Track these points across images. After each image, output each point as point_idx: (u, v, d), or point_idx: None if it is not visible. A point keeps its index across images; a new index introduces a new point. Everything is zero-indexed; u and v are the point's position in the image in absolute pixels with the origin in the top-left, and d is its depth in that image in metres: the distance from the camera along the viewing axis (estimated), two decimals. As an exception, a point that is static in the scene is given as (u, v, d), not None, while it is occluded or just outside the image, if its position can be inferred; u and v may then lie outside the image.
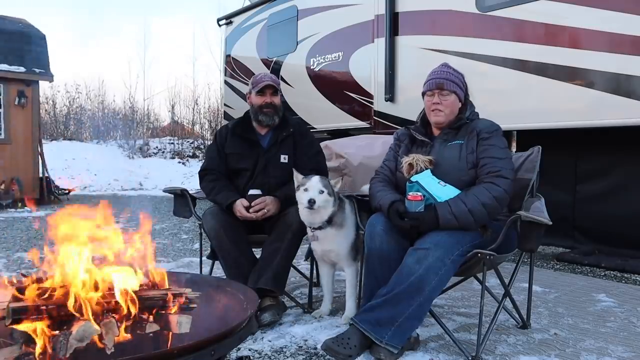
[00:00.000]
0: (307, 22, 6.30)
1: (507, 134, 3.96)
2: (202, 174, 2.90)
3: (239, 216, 2.65)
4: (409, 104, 4.87)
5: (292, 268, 2.77)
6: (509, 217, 2.10)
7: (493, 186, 2.13)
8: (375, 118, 5.34)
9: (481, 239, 2.16)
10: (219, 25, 8.19)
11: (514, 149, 4.05)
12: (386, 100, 5.16)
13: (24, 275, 1.52)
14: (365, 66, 5.47)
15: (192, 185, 9.47)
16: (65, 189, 9.26)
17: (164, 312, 1.53)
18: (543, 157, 2.44)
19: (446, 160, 2.26)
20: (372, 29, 5.34)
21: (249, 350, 2.24)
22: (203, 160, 3.59)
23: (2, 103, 8.28)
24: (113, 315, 1.43)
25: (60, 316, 1.41)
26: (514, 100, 4.17)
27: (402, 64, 5.07)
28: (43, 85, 9.76)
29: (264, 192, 2.72)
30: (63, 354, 1.32)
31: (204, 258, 3.07)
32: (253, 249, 2.73)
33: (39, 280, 1.49)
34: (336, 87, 5.91)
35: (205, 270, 3.16)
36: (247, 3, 7.88)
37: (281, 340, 2.37)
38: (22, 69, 8.28)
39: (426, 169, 2.22)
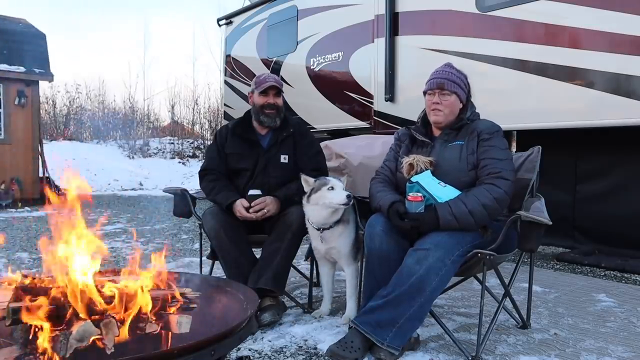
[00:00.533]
0: (307, 22, 6.30)
1: (507, 134, 3.97)
2: (202, 174, 2.90)
3: (238, 216, 2.65)
4: (409, 104, 4.87)
5: (292, 268, 2.77)
6: (509, 217, 2.10)
7: (493, 187, 2.13)
8: (375, 118, 5.34)
9: (481, 239, 2.16)
10: (219, 25, 8.19)
11: (514, 149, 4.04)
12: (386, 100, 5.16)
13: (25, 276, 1.52)
14: (365, 66, 5.47)
15: (192, 185, 9.47)
16: (65, 189, 9.25)
17: (164, 312, 1.53)
18: (543, 157, 2.44)
19: (446, 161, 2.26)
20: (372, 29, 5.34)
21: (249, 350, 2.24)
22: (203, 160, 3.59)
23: (2, 103, 8.29)
24: (113, 315, 1.43)
25: (60, 316, 1.40)
26: (514, 100, 4.17)
27: (402, 64, 5.07)
28: (43, 85, 9.77)
29: (264, 192, 2.72)
30: (63, 354, 1.32)
31: (204, 258, 3.07)
32: (253, 249, 2.73)
33: (39, 281, 1.49)
34: (336, 87, 5.91)
35: (205, 270, 3.16)
36: (247, 3, 7.88)
37: (281, 340, 2.37)
38: (22, 69, 8.28)
39: (426, 169, 2.22)
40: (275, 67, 6.78)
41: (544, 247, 4.65)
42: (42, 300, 1.40)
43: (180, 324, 1.51)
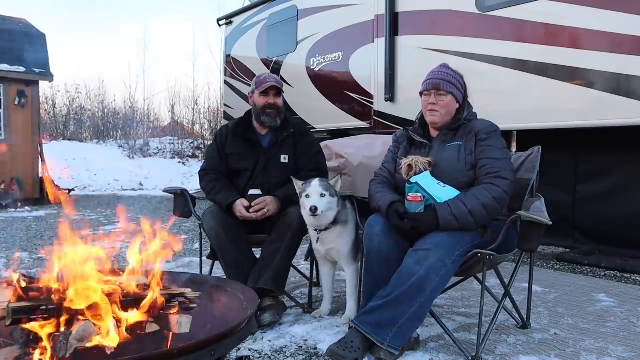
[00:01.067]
0: (307, 22, 6.30)
1: (507, 134, 3.99)
2: (202, 173, 2.90)
3: (239, 216, 2.65)
4: (409, 104, 4.87)
5: (292, 268, 2.77)
6: (509, 217, 2.10)
7: (493, 187, 2.13)
8: (375, 118, 5.34)
9: (481, 239, 2.16)
10: (219, 25, 8.19)
11: (514, 149, 4.05)
12: (386, 100, 5.16)
13: (25, 276, 1.52)
14: (365, 66, 5.47)
15: (192, 185, 9.47)
16: (65, 189, 9.26)
17: (164, 312, 1.53)
18: (543, 157, 2.44)
19: (445, 161, 2.26)
20: (372, 29, 5.34)
21: (249, 350, 2.24)
22: (203, 160, 3.59)
23: (2, 103, 8.28)
24: (113, 315, 1.43)
25: (60, 316, 1.40)
26: (513, 100, 4.17)
27: (402, 64, 5.07)
28: (43, 85, 9.77)
29: (264, 192, 2.72)
30: (63, 354, 1.32)
31: (204, 258, 3.07)
32: (253, 249, 2.73)
33: (39, 281, 1.49)
34: (336, 87, 5.91)
35: (205, 270, 3.16)
36: (247, 3, 7.88)
37: (281, 340, 2.37)
38: (22, 69, 8.28)
39: (425, 170, 2.22)
40: (275, 67, 6.78)
41: (544, 247, 4.65)
42: (42, 300, 1.40)
43: (180, 324, 1.51)
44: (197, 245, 4.49)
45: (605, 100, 3.64)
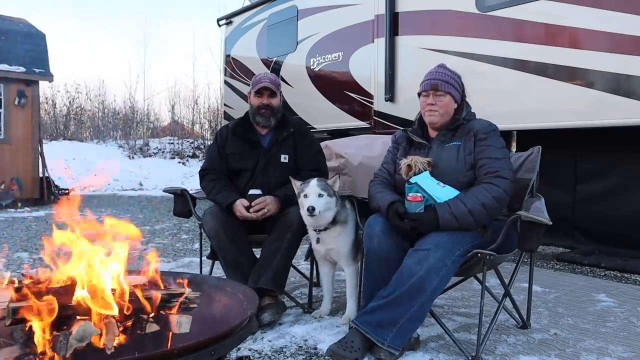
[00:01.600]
0: (307, 22, 6.30)
1: (507, 134, 3.99)
2: (203, 173, 2.90)
3: (239, 216, 2.65)
4: (409, 104, 4.86)
5: (292, 268, 2.77)
6: (509, 217, 2.10)
7: (492, 186, 2.13)
8: (375, 118, 5.34)
9: (481, 239, 2.16)
10: (219, 25, 8.18)
11: (514, 149, 4.05)
12: (386, 100, 5.16)
13: (24, 275, 1.52)
14: (365, 66, 5.47)
15: (192, 185, 9.48)
16: (65, 189, 9.27)
17: (164, 312, 1.53)
18: (543, 157, 2.44)
19: (444, 161, 2.26)
20: (372, 29, 5.34)
21: (249, 350, 2.24)
22: (203, 160, 3.59)
23: (2, 103, 8.29)
24: (113, 315, 1.43)
25: (60, 316, 1.40)
26: (513, 100, 4.17)
27: (402, 64, 5.07)
28: (43, 85, 9.77)
29: (264, 192, 2.72)
30: (63, 354, 1.32)
31: (204, 258, 3.07)
32: (253, 249, 2.74)
33: (39, 281, 1.49)
34: (336, 87, 5.91)
35: (205, 270, 3.16)
36: (247, 3, 7.88)
37: (281, 340, 2.37)
38: (22, 69, 8.28)
39: (425, 170, 2.22)
40: (275, 67, 6.78)
41: (544, 247, 4.65)
42: (42, 300, 1.40)
43: (180, 324, 1.51)
44: (197, 245, 4.50)
45: (605, 100, 3.64)
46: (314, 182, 2.43)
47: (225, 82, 7.98)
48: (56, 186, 9.06)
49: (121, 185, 11.83)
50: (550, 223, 2.00)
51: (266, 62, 6.99)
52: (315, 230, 2.53)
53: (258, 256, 2.68)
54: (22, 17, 9.37)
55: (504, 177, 2.16)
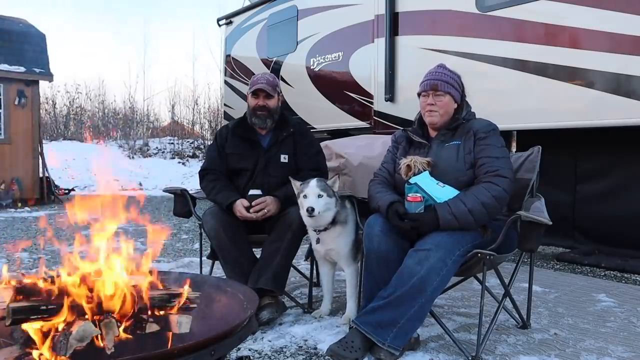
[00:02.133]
0: (307, 22, 6.30)
1: (507, 134, 3.99)
2: (203, 173, 2.90)
3: (239, 216, 2.65)
4: (409, 104, 4.86)
5: (292, 268, 2.77)
6: (509, 217, 2.10)
7: (492, 186, 2.14)
8: (375, 118, 5.34)
9: (481, 239, 2.16)
10: (219, 25, 8.18)
11: (514, 149, 4.05)
12: (386, 100, 5.16)
13: (25, 275, 1.52)
14: (365, 66, 5.47)
15: (192, 185, 9.48)
16: (65, 189, 9.27)
17: (164, 312, 1.53)
18: (543, 157, 2.44)
19: (444, 161, 2.26)
20: (372, 29, 5.34)
21: (249, 350, 2.24)
22: (203, 160, 3.59)
23: (2, 103, 8.29)
24: (113, 315, 1.43)
25: (60, 316, 1.40)
26: (513, 100, 4.17)
27: (402, 64, 5.07)
28: (43, 85, 9.77)
29: (264, 192, 2.72)
30: (63, 354, 1.32)
31: (204, 258, 3.07)
32: (253, 249, 2.73)
33: (38, 281, 1.49)
34: (336, 87, 5.91)
35: (205, 270, 3.16)
36: (247, 3, 7.88)
37: (281, 340, 2.37)
38: (22, 69, 8.28)
39: (424, 170, 2.22)
40: (275, 67, 6.78)
41: (544, 247, 4.65)
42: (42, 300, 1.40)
43: (180, 324, 1.51)
44: (197, 245, 4.50)
45: (605, 100, 3.64)
46: (313, 182, 2.43)
47: (225, 82, 7.98)
48: (56, 186, 9.06)
49: (121, 185, 11.82)
50: (550, 223, 2.00)
51: (266, 62, 6.99)
52: (315, 231, 2.53)
53: (258, 256, 2.68)
54: (22, 17, 9.37)
55: (504, 176, 2.16)
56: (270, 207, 2.66)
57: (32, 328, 1.39)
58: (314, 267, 2.90)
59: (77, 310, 1.41)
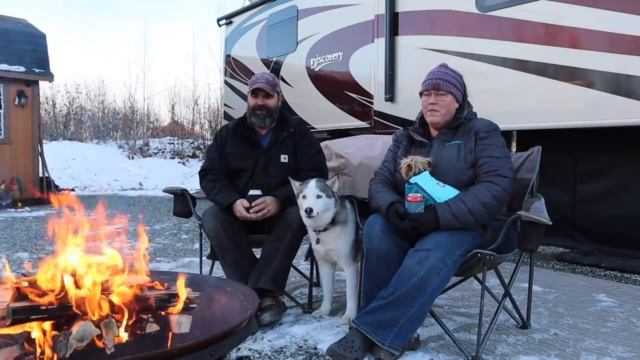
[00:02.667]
0: (307, 22, 6.30)
1: (507, 134, 3.98)
2: (202, 173, 2.90)
3: (239, 216, 2.65)
4: (409, 104, 4.87)
5: (292, 268, 2.77)
6: (509, 217, 2.10)
7: (492, 185, 2.14)
8: (375, 118, 5.34)
9: (481, 239, 2.16)
10: (219, 25, 8.18)
11: (514, 149, 4.04)
12: (386, 100, 5.16)
13: (25, 275, 1.52)
14: (365, 66, 5.47)
15: (192, 185, 9.47)
16: (65, 189, 9.26)
17: (164, 312, 1.53)
18: (543, 157, 2.44)
19: (445, 160, 2.26)
20: (372, 29, 5.34)
21: (249, 350, 2.24)
22: (203, 160, 3.59)
23: (2, 103, 8.29)
24: (113, 315, 1.43)
25: (60, 316, 1.40)
26: (514, 100, 4.17)
27: (402, 64, 5.07)
28: (43, 85, 9.77)
29: (264, 192, 2.72)
30: (63, 354, 1.32)
31: (204, 258, 3.07)
32: (253, 249, 2.73)
33: (38, 280, 1.49)
34: (336, 87, 5.91)
35: (205, 270, 3.16)
36: (247, 3, 7.88)
37: (281, 340, 2.37)
38: (22, 69, 8.28)
39: (425, 170, 2.22)
40: (275, 67, 6.78)
41: (544, 247, 4.65)
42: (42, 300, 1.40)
43: (180, 324, 1.51)
44: (197, 245, 4.49)
45: (605, 100, 3.64)
46: (312, 183, 2.43)
47: (225, 82, 7.98)
48: (56, 186, 9.06)
49: (121, 185, 11.83)
50: (550, 223, 2.00)
51: (266, 62, 6.99)
52: (315, 231, 2.53)
53: (258, 256, 2.68)
54: (22, 17, 9.37)
55: (504, 175, 2.16)
56: (270, 207, 2.66)
57: (32, 328, 1.39)
58: (314, 267, 2.90)
59: (77, 310, 1.41)
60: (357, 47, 5.58)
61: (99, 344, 1.38)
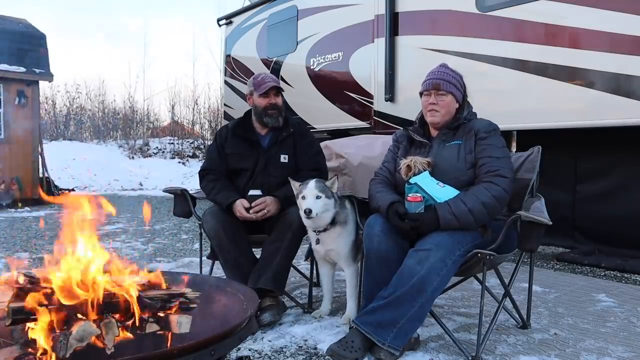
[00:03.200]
0: (307, 22, 6.30)
1: (507, 134, 3.99)
2: (202, 174, 2.90)
3: (238, 216, 2.65)
4: (409, 104, 4.87)
5: (292, 268, 2.77)
6: (509, 217, 2.10)
7: (492, 185, 2.14)
8: (375, 118, 5.34)
9: (481, 239, 2.16)
10: (219, 25, 8.19)
11: (514, 149, 4.05)
12: (386, 100, 5.16)
13: (25, 275, 1.52)
14: (365, 66, 5.47)
15: (192, 185, 9.48)
16: (65, 189, 9.26)
17: (164, 312, 1.53)
18: (543, 157, 2.44)
19: (445, 160, 2.26)
20: (372, 29, 5.34)
21: (249, 350, 2.24)
22: (203, 160, 3.59)
23: (2, 103, 8.29)
24: (113, 315, 1.43)
25: (60, 316, 1.40)
26: (514, 100, 4.17)
27: (402, 64, 5.07)
28: (43, 85, 9.77)
29: (263, 192, 2.72)
30: (63, 354, 1.32)
31: (204, 258, 3.07)
32: (253, 249, 2.73)
33: (39, 280, 1.49)
34: (336, 87, 5.91)
35: (205, 270, 3.16)
36: (247, 3, 7.88)
37: (281, 340, 2.37)
38: (22, 69, 8.28)
39: (424, 170, 2.22)
40: (275, 67, 6.78)
41: (544, 247, 4.65)
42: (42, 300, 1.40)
43: (180, 324, 1.51)
44: (197, 245, 4.49)
45: (605, 100, 3.64)
46: (311, 184, 2.43)
47: (225, 82, 7.98)
48: (56, 186, 9.06)
49: (121, 185, 11.82)
50: (550, 223, 2.00)
51: (266, 62, 6.99)
52: (314, 231, 2.53)
53: (258, 256, 2.68)
54: (22, 17, 9.37)
55: (504, 176, 2.16)
56: (270, 207, 2.66)
57: (32, 328, 1.39)
58: (314, 267, 2.90)
59: (77, 310, 1.41)
60: (357, 47, 5.58)
61: (99, 344, 1.38)
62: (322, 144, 3.12)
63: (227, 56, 7.91)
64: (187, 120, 16.95)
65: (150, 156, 14.40)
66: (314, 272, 2.92)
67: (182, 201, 3.01)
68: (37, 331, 1.38)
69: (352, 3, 5.63)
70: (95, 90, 16.57)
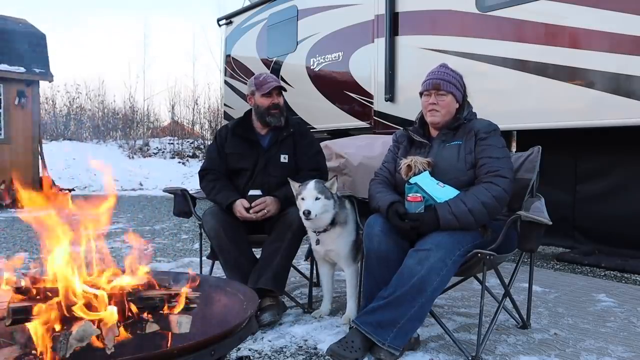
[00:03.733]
0: (307, 22, 6.30)
1: (507, 134, 3.99)
2: (202, 173, 2.90)
3: (238, 216, 2.65)
4: (409, 104, 4.87)
5: (292, 268, 2.77)
6: (509, 217, 2.10)
7: (492, 186, 2.14)
8: (375, 118, 5.34)
9: (481, 239, 2.16)
10: (219, 25, 8.19)
11: (514, 149, 4.05)
12: (386, 100, 5.16)
13: (25, 275, 1.52)
14: (365, 66, 5.47)
15: (192, 185, 9.47)
16: (65, 189, 9.26)
17: (164, 312, 1.53)
18: (543, 157, 2.44)
19: (445, 160, 2.26)
20: (372, 29, 5.34)
21: (249, 350, 2.24)
22: (203, 160, 3.59)
23: (2, 103, 8.29)
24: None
25: (60, 316, 1.40)
26: (513, 100, 4.17)
27: (402, 64, 5.07)
28: (43, 85, 9.77)
29: (263, 192, 2.71)
30: (63, 354, 1.32)
31: (204, 258, 3.07)
32: (253, 249, 2.73)
33: (38, 280, 1.49)
34: (336, 87, 5.91)
35: (205, 270, 3.16)
36: (247, 3, 7.88)
37: (281, 340, 2.37)
38: (22, 69, 8.29)
39: (424, 170, 2.22)
40: (275, 67, 6.78)
41: (544, 247, 4.65)
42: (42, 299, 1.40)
43: (180, 324, 1.51)
44: (197, 245, 4.49)
45: (605, 100, 3.64)
46: (311, 184, 2.43)
47: (225, 82, 7.98)
48: (56, 186, 9.05)
49: (121, 185, 11.83)
50: (550, 223, 2.00)
51: (266, 62, 6.99)
52: (314, 232, 2.53)
53: (258, 256, 2.68)
54: (22, 17, 9.38)
55: (504, 176, 2.16)
56: (270, 207, 2.65)
57: (32, 328, 1.39)
58: (314, 267, 2.90)
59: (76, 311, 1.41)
60: (357, 47, 5.58)
61: (99, 344, 1.38)
62: (322, 144, 3.12)
63: (227, 56, 7.92)
64: (187, 120, 16.98)
65: (150, 156, 14.40)
66: (314, 272, 2.92)
67: (182, 201, 3.01)
68: (37, 331, 1.38)
69: (352, 3, 5.63)
70: (95, 90, 16.59)
